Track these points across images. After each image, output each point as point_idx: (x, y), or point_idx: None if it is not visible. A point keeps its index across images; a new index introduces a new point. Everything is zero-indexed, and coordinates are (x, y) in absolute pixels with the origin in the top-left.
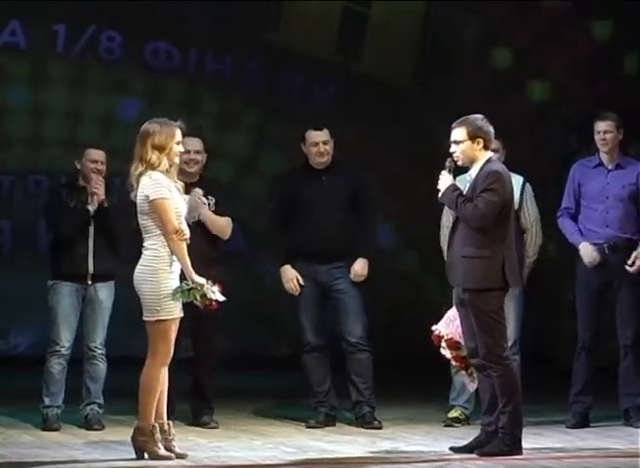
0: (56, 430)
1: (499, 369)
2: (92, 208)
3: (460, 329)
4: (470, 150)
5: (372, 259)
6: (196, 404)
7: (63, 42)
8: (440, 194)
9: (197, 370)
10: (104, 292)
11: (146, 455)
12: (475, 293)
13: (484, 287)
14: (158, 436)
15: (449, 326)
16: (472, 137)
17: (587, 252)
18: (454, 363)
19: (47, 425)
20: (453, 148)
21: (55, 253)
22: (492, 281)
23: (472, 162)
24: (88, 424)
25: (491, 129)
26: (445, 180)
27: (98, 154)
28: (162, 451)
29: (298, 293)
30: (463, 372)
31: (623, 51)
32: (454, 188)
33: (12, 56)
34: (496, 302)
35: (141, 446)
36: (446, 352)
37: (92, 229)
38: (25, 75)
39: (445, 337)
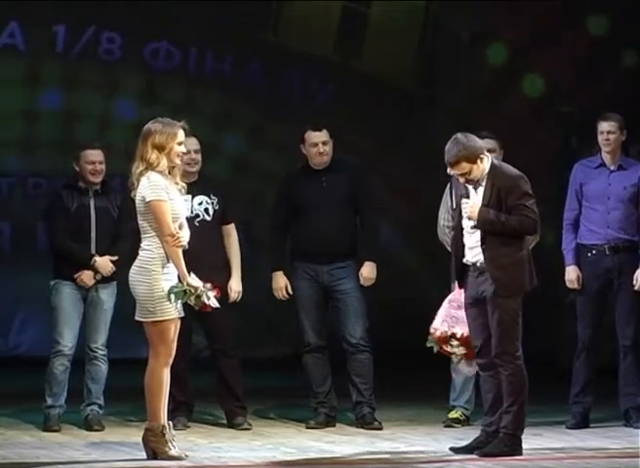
0: (56, 431)
1: (510, 368)
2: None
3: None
4: (479, 169)
5: (378, 261)
6: (228, 405)
7: (63, 43)
8: (477, 223)
9: (221, 370)
10: (106, 294)
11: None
12: (505, 296)
13: (518, 292)
14: (169, 436)
15: (458, 323)
16: (474, 160)
17: (570, 276)
18: (460, 357)
19: (48, 425)
20: (463, 178)
21: (57, 254)
22: (524, 284)
23: (482, 175)
24: (88, 425)
25: (477, 140)
26: (473, 207)
27: (94, 155)
28: (173, 452)
29: (286, 298)
30: (464, 360)
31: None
32: (487, 211)
33: (11, 58)
34: (518, 302)
35: (153, 446)
36: (457, 349)
37: (94, 232)
38: (25, 77)
39: (457, 335)
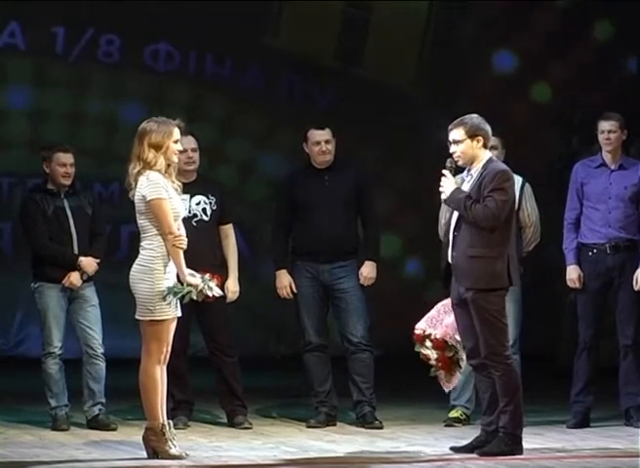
0: (64, 430)
1: (501, 368)
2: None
3: (448, 329)
4: (470, 149)
5: (378, 261)
6: (228, 404)
7: (62, 44)
8: (445, 197)
9: (221, 369)
10: (90, 291)
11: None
12: (480, 293)
13: (492, 287)
14: (169, 435)
15: (435, 326)
16: (471, 136)
17: (572, 276)
18: (435, 363)
19: (56, 425)
20: (452, 149)
21: (41, 258)
22: (499, 280)
23: (472, 161)
24: (101, 424)
25: (488, 127)
26: (448, 183)
27: (66, 157)
28: (173, 450)
29: (290, 297)
30: (442, 372)
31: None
32: (459, 191)
33: (11, 57)
34: (499, 301)
35: (153, 445)
36: (430, 352)
37: (74, 232)
38: (25, 77)
39: (431, 337)
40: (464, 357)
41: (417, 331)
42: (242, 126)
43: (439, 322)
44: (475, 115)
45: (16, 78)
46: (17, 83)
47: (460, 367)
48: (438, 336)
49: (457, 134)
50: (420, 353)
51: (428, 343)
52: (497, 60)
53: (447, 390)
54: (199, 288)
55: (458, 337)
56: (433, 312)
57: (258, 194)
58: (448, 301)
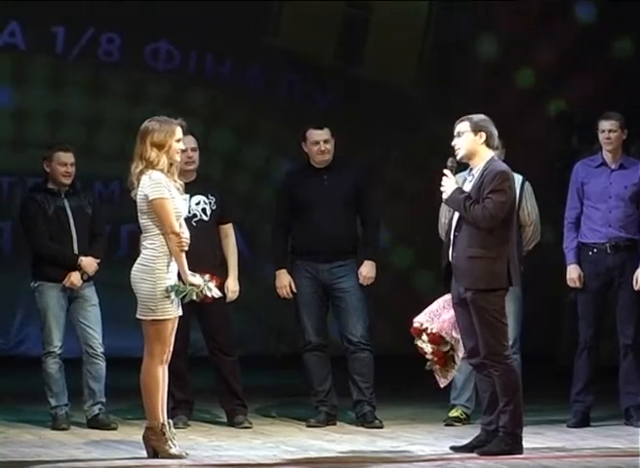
0: (64, 429)
1: (500, 368)
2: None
3: (445, 324)
4: (472, 143)
5: (378, 260)
6: (228, 403)
7: (62, 44)
8: (446, 197)
9: (220, 368)
10: (90, 291)
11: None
12: (480, 293)
13: (491, 287)
14: (169, 434)
15: (433, 320)
16: (475, 130)
17: (572, 275)
18: (431, 357)
19: (56, 424)
20: (455, 141)
21: (41, 258)
22: (498, 281)
23: (472, 156)
24: (102, 424)
25: (493, 128)
26: (449, 182)
27: (67, 157)
28: (173, 450)
29: (290, 297)
30: (437, 367)
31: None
32: (460, 191)
33: (11, 57)
34: (498, 301)
35: (153, 445)
36: (425, 345)
37: (74, 232)
38: (26, 76)
39: (428, 331)
40: (460, 353)
41: (414, 324)
42: (243, 126)
43: (437, 316)
44: (483, 115)
45: (16, 78)
46: (18, 82)
47: (456, 363)
48: (434, 331)
49: (461, 126)
50: (417, 346)
51: (425, 337)
52: (497, 60)
53: (442, 385)
54: (200, 288)
55: (454, 333)
56: (434, 306)
57: (255, 193)
58: (449, 297)
